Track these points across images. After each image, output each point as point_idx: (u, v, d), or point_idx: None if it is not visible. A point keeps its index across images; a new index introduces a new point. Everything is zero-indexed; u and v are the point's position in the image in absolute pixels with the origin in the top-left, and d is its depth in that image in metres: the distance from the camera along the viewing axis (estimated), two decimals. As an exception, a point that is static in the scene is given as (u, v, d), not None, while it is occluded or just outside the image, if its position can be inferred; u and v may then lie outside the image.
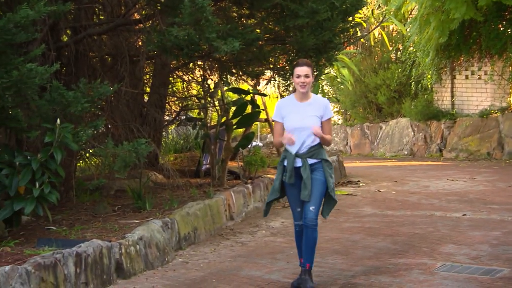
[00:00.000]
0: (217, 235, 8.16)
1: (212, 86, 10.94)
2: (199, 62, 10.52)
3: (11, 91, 5.98)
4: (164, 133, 12.73)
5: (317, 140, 5.73)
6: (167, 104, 11.93)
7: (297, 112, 5.76)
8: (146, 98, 11.13)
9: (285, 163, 5.76)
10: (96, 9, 9.25)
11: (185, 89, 12.55)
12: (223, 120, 10.28)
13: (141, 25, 8.65)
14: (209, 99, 10.66)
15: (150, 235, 6.70)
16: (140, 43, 10.10)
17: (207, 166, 10.92)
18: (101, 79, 7.11)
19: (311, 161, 5.70)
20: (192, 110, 12.60)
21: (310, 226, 5.65)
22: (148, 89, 11.29)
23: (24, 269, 4.95)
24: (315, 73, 8.90)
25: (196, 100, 11.69)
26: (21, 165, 6.29)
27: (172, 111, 12.51)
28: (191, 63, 10.51)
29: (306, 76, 5.69)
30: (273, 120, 6.02)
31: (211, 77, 11.30)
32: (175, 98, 12.36)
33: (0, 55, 5.93)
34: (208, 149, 10.22)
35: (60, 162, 6.41)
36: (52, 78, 6.70)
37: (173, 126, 13.86)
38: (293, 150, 5.73)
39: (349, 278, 6.04)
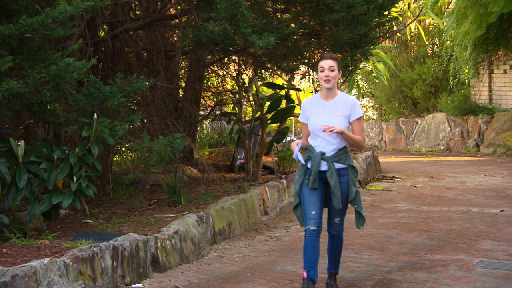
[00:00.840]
0: (252, 230, 8.17)
1: (246, 81, 10.96)
2: (234, 57, 10.53)
3: (50, 86, 6.05)
4: (199, 127, 12.80)
5: (344, 143, 5.26)
6: (202, 99, 11.99)
7: (322, 112, 5.25)
8: (181, 93, 11.19)
9: (309, 165, 5.25)
10: (133, 5, 9.32)
11: (220, 84, 12.59)
12: (257, 115, 10.28)
13: (177, 20, 8.70)
14: (243, 94, 10.67)
15: (185, 229, 6.74)
16: (175, 38, 10.16)
17: (242, 161, 10.94)
18: (137, 74, 7.16)
19: (337, 165, 5.20)
20: (227, 105, 12.63)
21: (337, 235, 5.40)
22: (183, 84, 11.35)
23: (63, 261, 5.02)
24: (349, 68, 8.92)
25: (231, 95, 11.72)
26: (59, 159, 6.37)
27: (207, 106, 12.57)
28: (226, 58, 10.52)
29: (331, 69, 5.15)
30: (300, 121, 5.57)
31: (246, 72, 11.31)
32: (210, 93, 12.42)
33: (39, 50, 6.01)
34: (242, 144, 10.23)
35: (97, 156, 6.47)
36: (89, 73, 6.78)
37: (208, 121, 13.93)
38: (318, 151, 5.23)
39: (384, 274, 6.00)
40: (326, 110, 5.23)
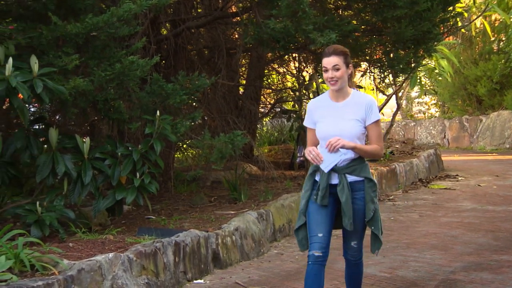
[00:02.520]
0: (312, 228, 8.13)
1: (307, 78, 10.92)
2: (295, 54, 10.50)
3: (114, 84, 6.16)
4: (258, 125, 12.81)
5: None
6: (262, 97, 12.01)
7: (331, 115, 4.40)
8: (241, 90, 11.23)
9: (317, 178, 4.42)
10: (195, 2, 9.40)
11: (280, 82, 12.58)
12: (318, 112, 10.22)
13: (238, 18, 8.73)
14: (304, 91, 10.64)
15: (246, 226, 6.76)
16: (236, 36, 10.20)
17: (301, 158, 10.91)
18: (199, 72, 7.22)
19: (351, 178, 4.35)
20: (287, 103, 12.62)
21: (355, 261, 4.65)
22: (244, 82, 11.39)
23: (127, 256, 5.11)
24: (412, 65, 8.77)
25: (291, 92, 11.70)
26: (123, 156, 6.47)
27: (267, 103, 12.58)
28: (287, 55, 10.50)
29: (335, 68, 4.28)
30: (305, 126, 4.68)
31: (306, 69, 11.27)
32: (270, 91, 12.42)
33: (104, 48, 6.12)
34: (302, 142, 10.21)
35: (159, 153, 6.55)
36: (152, 70, 6.87)
37: (268, 118, 13.94)
38: (329, 162, 4.33)
39: (448, 274, 5.88)
40: (336, 113, 4.39)
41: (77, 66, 5.99)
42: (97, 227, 6.46)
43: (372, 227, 4.39)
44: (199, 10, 9.59)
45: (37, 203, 5.80)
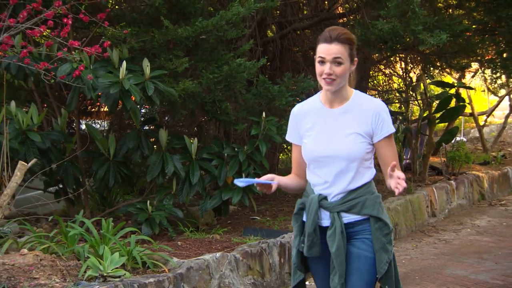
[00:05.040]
0: (419, 232, 7.97)
1: (414, 79, 10.71)
2: (402, 55, 10.31)
3: (222, 86, 6.25)
4: (364, 126, 12.67)
5: (364, 179, 3.09)
6: (367, 98, 11.86)
7: (322, 127, 3.13)
8: (346, 91, 11.14)
9: (304, 218, 3.20)
10: (301, 4, 9.40)
11: (386, 83, 12.39)
12: (425, 114, 10.01)
13: (345, 18, 8.66)
14: (411, 92, 10.43)
15: (351, 229, 6.68)
16: (342, 37, 10.11)
17: (408, 161, 10.71)
18: (304, 73, 7.21)
19: (349, 218, 3.07)
20: (393, 104, 12.42)
21: None
22: (349, 83, 11.28)
23: (233, 256, 5.17)
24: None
25: (397, 94, 11.51)
26: (229, 157, 6.55)
27: (372, 105, 12.41)
28: (393, 56, 10.33)
29: (337, 61, 3.01)
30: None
31: (414, 70, 11.05)
32: (376, 92, 12.25)
33: (212, 51, 6.23)
34: (409, 144, 10.01)
35: (265, 154, 6.59)
36: (258, 72, 6.92)
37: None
38: (316, 194, 3.14)
39: None
40: (330, 124, 3.11)
41: (187, 69, 6.13)
42: (204, 227, 6.58)
43: (387, 286, 3.07)
44: (305, 12, 9.58)
45: (148, 202, 5.98)
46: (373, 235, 3.03)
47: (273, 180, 3.09)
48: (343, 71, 3.01)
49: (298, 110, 3.24)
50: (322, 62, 3.01)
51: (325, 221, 3.10)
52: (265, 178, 3.08)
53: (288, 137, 3.29)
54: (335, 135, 3.07)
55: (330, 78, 3.00)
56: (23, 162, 4.69)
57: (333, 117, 3.11)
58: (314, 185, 3.16)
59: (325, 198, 3.09)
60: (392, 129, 3.08)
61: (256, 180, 3.04)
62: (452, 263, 6.46)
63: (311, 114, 3.18)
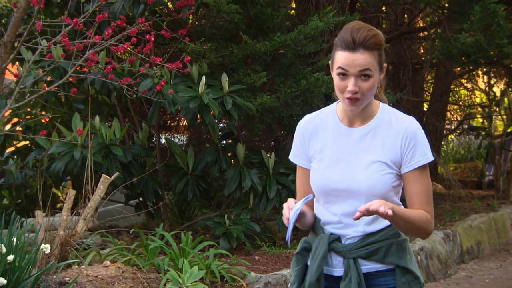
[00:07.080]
0: (503, 250, 7.71)
1: (498, 93, 10.43)
2: (485, 69, 10.06)
3: (299, 100, 6.24)
4: (443, 142, 12.41)
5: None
6: (448, 113, 11.63)
7: (338, 150, 2.41)
8: (426, 106, 10.95)
9: (309, 262, 2.47)
10: (380, 18, 9.31)
11: (468, 97, 12.12)
12: (509, 130, 9.72)
13: (425, 32, 8.52)
14: (494, 107, 10.16)
15: (432, 246, 6.53)
16: (422, 51, 9.96)
17: (491, 177, 10.42)
18: (384, 88, 7.11)
19: (368, 266, 2.37)
20: (475, 119, 12.13)
21: None
22: (429, 97, 11.09)
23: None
24: None
25: (480, 109, 11.23)
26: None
27: (453, 119, 12.15)
28: (476, 70, 10.10)
29: (364, 74, 2.27)
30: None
31: (497, 84, 10.76)
32: (457, 107, 12.00)
33: (290, 65, 6.24)
34: (492, 160, 9.74)
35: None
36: (335, 86, 6.87)
37: (454, 135, 13.46)
38: (327, 233, 2.43)
39: None
40: (348, 147, 2.40)
41: (264, 83, 6.15)
42: (281, 241, 6.55)
43: None
44: (383, 26, 9.48)
45: (225, 216, 6.01)
46: None
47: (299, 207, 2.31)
48: (372, 85, 2.28)
49: (307, 125, 2.50)
50: (344, 75, 2.27)
51: (337, 269, 2.39)
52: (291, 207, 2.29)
53: (292, 157, 2.54)
54: (354, 164, 2.36)
55: (355, 96, 2.27)
56: (106, 176, 4.80)
57: (352, 139, 2.39)
58: (324, 223, 2.44)
59: (338, 239, 2.39)
60: (427, 159, 2.34)
61: (294, 218, 2.28)
62: None
63: (324, 131, 2.45)
